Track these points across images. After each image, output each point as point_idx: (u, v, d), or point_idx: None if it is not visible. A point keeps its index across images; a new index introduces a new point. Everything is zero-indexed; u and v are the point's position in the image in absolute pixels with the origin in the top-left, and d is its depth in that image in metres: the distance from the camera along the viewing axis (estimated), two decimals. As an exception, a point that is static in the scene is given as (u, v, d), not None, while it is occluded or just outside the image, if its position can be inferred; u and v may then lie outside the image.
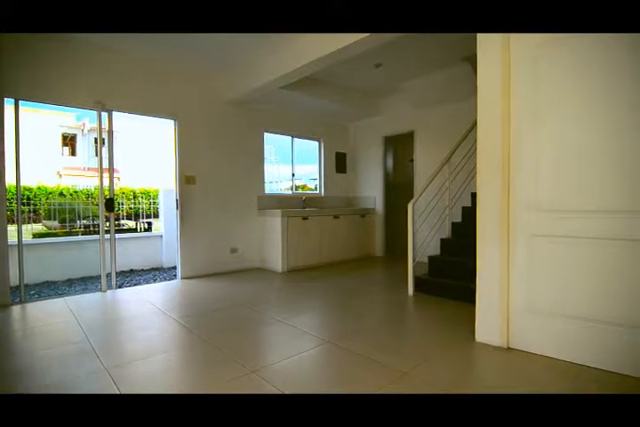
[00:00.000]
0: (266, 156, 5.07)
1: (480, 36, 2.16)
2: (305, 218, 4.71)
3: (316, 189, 5.90)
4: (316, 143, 5.80)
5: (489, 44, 2.13)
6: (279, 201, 5.15)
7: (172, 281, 4.19)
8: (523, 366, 1.89)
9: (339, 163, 5.98)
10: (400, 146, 5.91)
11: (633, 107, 1.71)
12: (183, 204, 4.14)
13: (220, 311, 2.90)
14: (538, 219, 2.01)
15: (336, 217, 5.12)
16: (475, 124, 2.25)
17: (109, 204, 3.64)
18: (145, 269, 5.48)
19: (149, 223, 8.17)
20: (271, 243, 4.61)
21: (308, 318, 2.74)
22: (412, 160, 5.29)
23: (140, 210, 8.59)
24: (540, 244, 2.00)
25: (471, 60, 3.56)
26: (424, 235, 3.66)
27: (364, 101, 5.37)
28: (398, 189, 5.78)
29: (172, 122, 4.09)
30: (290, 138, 5.43)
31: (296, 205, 5.32)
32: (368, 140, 5.85)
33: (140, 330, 2.49)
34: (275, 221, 4.53)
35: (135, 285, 4.16)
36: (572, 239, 1.89)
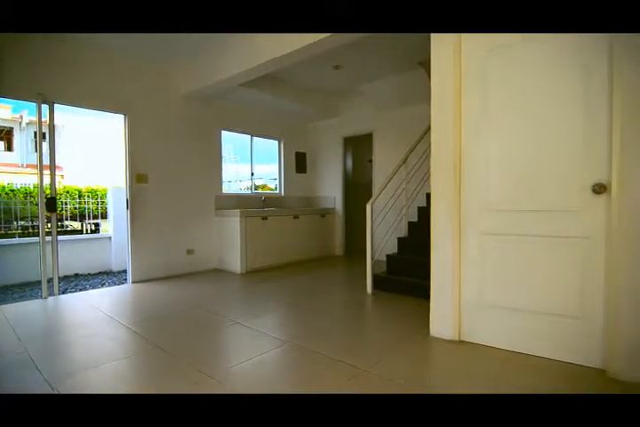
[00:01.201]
0: (224, 154, 4.94)
1: (434, 39, 2.24)
2: (264, 218, 4.64)
3: (276, 188, 5.85)
4: (276, 143, 5.74)
5: (442, 49, 2.21)
6: (238, 201, 5.04)
7: (122, 285, 3.95)
8: (474, 357, 1.99)
9: (299, 163, 5.96)
10: (359, 147, 6.02)
11: (577, 109, 1.85)
12: (134, 203, 3.92)
13: (174, 315, 2.77)
14: (488, 218, 2.12)
15: (296, 217, 5.10)
16: (430, 126, 2.34)
17: (51, 203, 3.36)
18: (92, 273, 5.13)
19: (97, 224, 7.65)
20: (229, 243, 4.50)
21: (267, 319, 2.70)
22: (370, 161, 5.39)
23: (87, 210, 8.02)
24: (490, 242, 2.11)
25: (425, 65, 3.69)
26: (382, 234, 3.75)
27: (324, 102, 5.40)
28: (357, 189, 5.88)
29: (121, 117, 3.86)
30: (249, 137, 5.33)
31: (255, 205, 5.23)
32: (328, 141, 5.89)
33: (85, 338, 2.32)
34: (233, 222, 4.42)
35: (81, 290, 3.89)
36: (519, 237, 2.02)
